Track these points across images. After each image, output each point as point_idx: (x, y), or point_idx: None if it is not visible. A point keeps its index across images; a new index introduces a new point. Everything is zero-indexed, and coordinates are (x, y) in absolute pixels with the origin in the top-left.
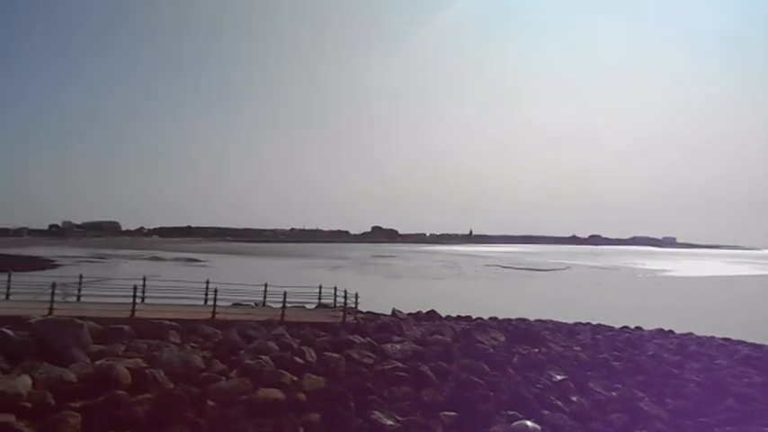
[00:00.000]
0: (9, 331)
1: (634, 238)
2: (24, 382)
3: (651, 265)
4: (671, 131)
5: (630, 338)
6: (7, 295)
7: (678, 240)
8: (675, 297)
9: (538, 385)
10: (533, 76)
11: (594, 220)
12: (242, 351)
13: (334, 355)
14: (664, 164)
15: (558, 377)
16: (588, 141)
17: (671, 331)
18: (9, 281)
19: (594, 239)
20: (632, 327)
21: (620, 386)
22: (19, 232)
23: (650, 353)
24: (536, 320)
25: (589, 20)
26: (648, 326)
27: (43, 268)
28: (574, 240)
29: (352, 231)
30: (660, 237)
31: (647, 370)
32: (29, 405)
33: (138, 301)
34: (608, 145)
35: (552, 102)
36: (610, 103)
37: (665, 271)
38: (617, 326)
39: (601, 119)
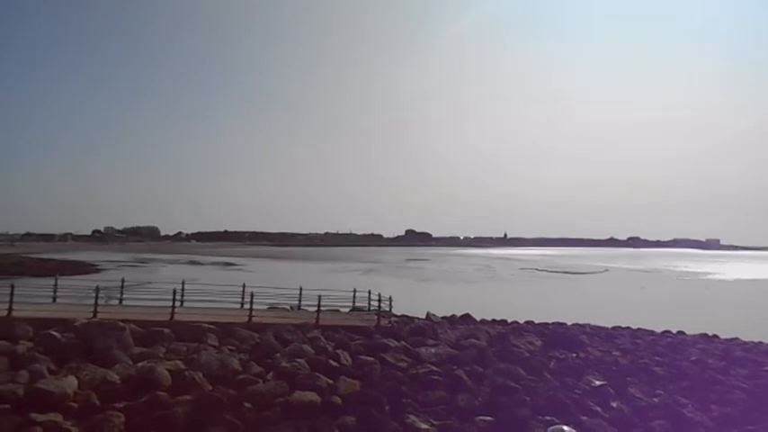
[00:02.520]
0: (56, 333)
1: (675, 240)
2: (71, 383)
3: (694, 267)
4: (714, 129)
5: (672, 343)
6: (54, 298)
7: (722, 243)
8: (720, 301)
9: (576, 390)
10: (569, 75)
11: (633, 222)
12: (278, 354)
13: (369, 358)
14: (707, 163)
15: (597, 382)
16: (627, 141)
17: (715, 336)
18: (56, 284)
19: (633, 242)
20: (674, 331)
21: (661, 392)
22: (63, 237)
23: (694, 358)
24: (573, 324)
25: (625, 20)
26: (691, 330)
27: (87, 272)
28: (612, 243)
29: (386, 235)
30: (703, 239)
31: (691, 376)
32: (75, 405)
33: (177, 304)
34: (647, 144)
35: (589, 102)
36: (649, 102)
37: (709, 274)
38: (658, 330)
39: (640, 118)
